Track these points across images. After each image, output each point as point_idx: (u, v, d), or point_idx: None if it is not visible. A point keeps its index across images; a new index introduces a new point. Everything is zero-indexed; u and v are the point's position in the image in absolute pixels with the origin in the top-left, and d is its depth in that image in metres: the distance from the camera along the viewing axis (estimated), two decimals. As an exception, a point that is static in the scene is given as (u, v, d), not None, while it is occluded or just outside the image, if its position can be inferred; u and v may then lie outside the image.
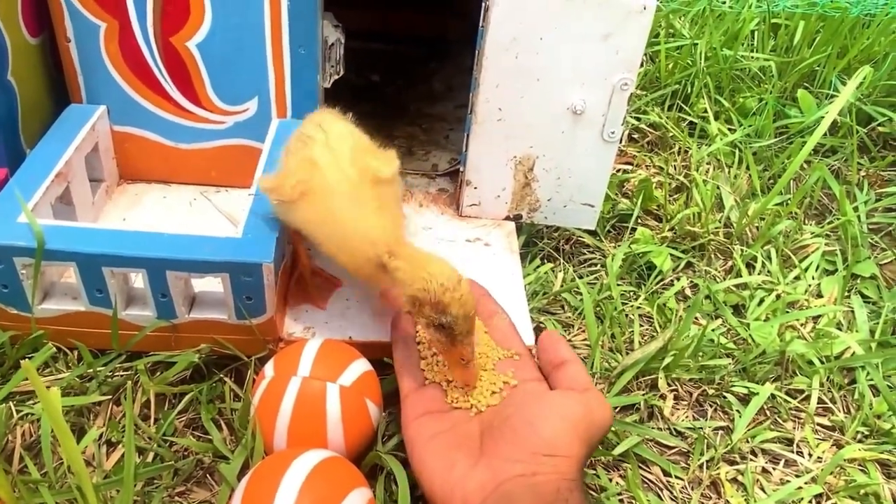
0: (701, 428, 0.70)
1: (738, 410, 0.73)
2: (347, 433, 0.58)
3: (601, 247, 0.91)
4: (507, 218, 0.87)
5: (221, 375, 0.68)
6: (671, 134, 1.13)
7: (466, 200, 0.86)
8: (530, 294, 0.82)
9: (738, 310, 0.86)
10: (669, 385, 0.74)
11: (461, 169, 0.85)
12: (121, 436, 0.62)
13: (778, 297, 0.86)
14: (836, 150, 1.16)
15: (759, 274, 0.90)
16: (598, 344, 0.75)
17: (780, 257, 0.92)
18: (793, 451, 0.70)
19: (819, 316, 0.84)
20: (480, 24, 0.74)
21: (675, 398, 0.74)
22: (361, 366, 0.61)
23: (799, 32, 1.31)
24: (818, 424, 0.73)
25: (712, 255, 0.93)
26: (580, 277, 0.85)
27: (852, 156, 1.10)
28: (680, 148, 1.12)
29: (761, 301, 0.85)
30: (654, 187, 1.00)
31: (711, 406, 0.74)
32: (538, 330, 0.78)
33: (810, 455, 0.70)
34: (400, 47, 1.26)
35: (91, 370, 0.66)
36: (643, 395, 0.72)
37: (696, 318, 0.83)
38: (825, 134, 1.11)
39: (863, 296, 0.89)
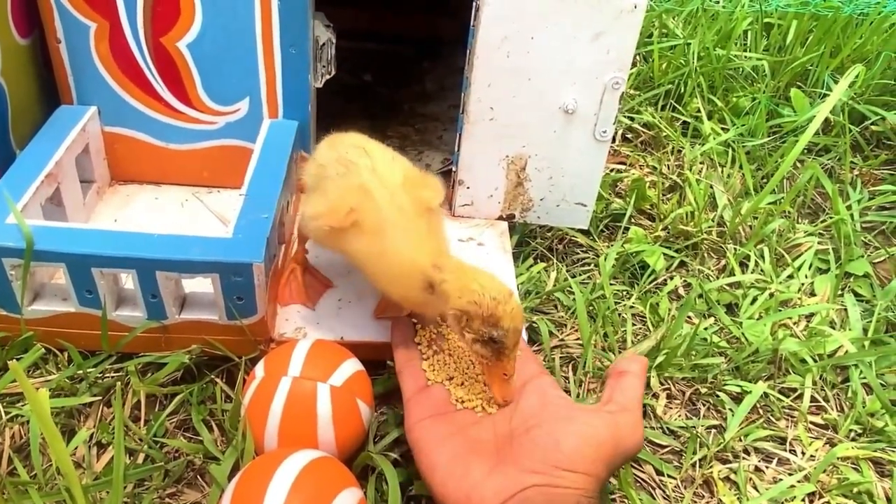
0: (693, 427, 0.70)
1: (730, 409, 0.72)
2: (338, 433, 0.58)
3: (594, 246, 0.91)
4: (500, 217, 0.87)
5: (212, 376, 0.67)
6: (664, 133, 1.13)
7: (459, 200, 0.86)
8: (523, 293, 0.82)
9: (731, 308, 0.86)
10: (662, 384, 0.74)
11: (454, 169, 0.85)
12: (111, 437, 0.62)
13: (771, 295, 0.86)
14: (829, 148, 1.16)
15: (752, 273, 0.90)
16: (590, 343, 0.75)
17: (773, 256, 0.92)
18: (786, 450, 0.70)
19: (812, 314, 0.84)
20: (472, 24, 0.74)
21: (668, 397, 0.74)
22: (352, 366, 0.61)
23: (792, 32, 1.31)
24: (811, 423, 0.73)
25: (705, 254, 0.93)
26: (573, 277, 0.85)
27: (845, 154, 1.10)
28: (673, 147, 1.12)
29: (754, 300, 0.85)
30: (648, 187, 1.00)
31: (704, 405, 0.74)
32: (531, 329, 0.78)
33: (803, 453, 0.70)
34: (392, 47, 1.26)
35: (81, 371, 0.66)
36: (636, 394, 0.72)
37: (688, 316, 0.83)
38: (818, 133, 1.12)
39: (856, 294, 0.89)
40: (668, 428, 0.70)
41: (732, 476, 0.67)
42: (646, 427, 0.69)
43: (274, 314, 0.70)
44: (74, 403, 0.64)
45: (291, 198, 0.80)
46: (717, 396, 0.74)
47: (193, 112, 0.81)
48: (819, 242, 0.95)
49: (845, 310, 0.86)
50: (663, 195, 1.01)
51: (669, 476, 0.66)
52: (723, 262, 0.92)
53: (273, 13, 0.74)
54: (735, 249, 0.93)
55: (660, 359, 0.75)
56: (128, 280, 0.64)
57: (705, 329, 0.80)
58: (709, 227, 0.96)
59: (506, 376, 0.57)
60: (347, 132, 0.71)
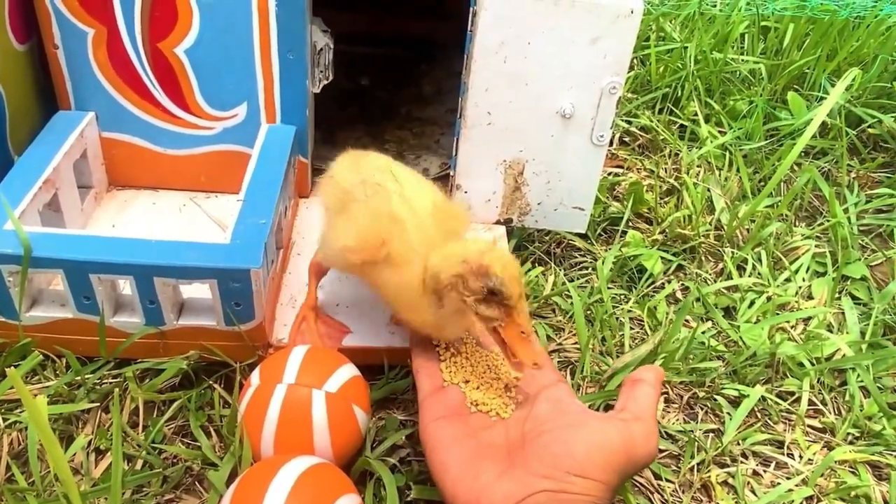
0: (691, 430, 0.70)
1: (728, 413, 0.73)
2: (334, 439, 0.58)
3: (592, 250, 0.92)
4: (498, 222, 0.87)
5: (210, 382, 0.67)
6: (662, 137, 1.13)
7: (457, 204, 0.86)
8: (521, 298, 0.82)
9: (729, 312, 0.86)
10: (660, 388, 0.74)
11: (451, 173, 0.85)
12: (109, 443, 0.62)
13: (768, 299, 0.86)
14: (826, 152, 1.16)
15: (749, 276, 0.90)
16: (588, 347, 0.75)
17: (770, 259, 0.92)
18: (783, 454, 0.70)
19: (809, 318, 0.85)
20: (469, 29, 0.74)
21: (666, 401, 0.74)
22: (348, 372, 0.61)
23: (788, 35, 1.31)
24: (809, 426, 0.73)
25: (703, 258, 0.93)
26: (571, 281, 0.85)
27: (842, 157, 1.10)
28: (671, 151, 1.12)
29: (752, 303, 0.86)
30: (645, 190, 1.00)
31: (702, 408, 0.74)
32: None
33: (801, 457, 0.70)
34: (389, 51, 1.26)
35: (79, 378, 0.66)
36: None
37: (686, 320, 0.83)
38: (815, 136, 1.12)
39: (853, 297, 0.89)
40: (665, 432, 0.70)
41: (730, 480, 0.67)
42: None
43: (272, 319, 0.70)
44: (72, 410, 0.64)
45: (289, 203, 0.80)
46: (715, 400, 0.74)
47: (191, 117, 0.81)
48: (816, 245, 0.96)
49: (843, 313, 0.86)
50: (661, 199, 1.02)
51: (667, 480, 0.66)
52: (720, 265, 0.92)
53: (270, 18, 0.74)
54: (732, 253, 0.93)
55: (657, 363, 0.75)
56: (126, 286, 0.64)
57: (703, 333, 0.81)
58: (706, 230, 0.96)
59: (524, 334, 0.55)
60: (367, 151, 0.69)
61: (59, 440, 0.62)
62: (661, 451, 0.69)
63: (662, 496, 0.65)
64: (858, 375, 0.77)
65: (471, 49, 0.75)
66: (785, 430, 0.72)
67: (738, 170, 1.07)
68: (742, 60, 1.29)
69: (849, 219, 1.00)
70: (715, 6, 1.40)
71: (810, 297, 0.89)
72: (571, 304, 0.81)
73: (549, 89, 0.76)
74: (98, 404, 0.65)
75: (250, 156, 0.77)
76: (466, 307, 0.55)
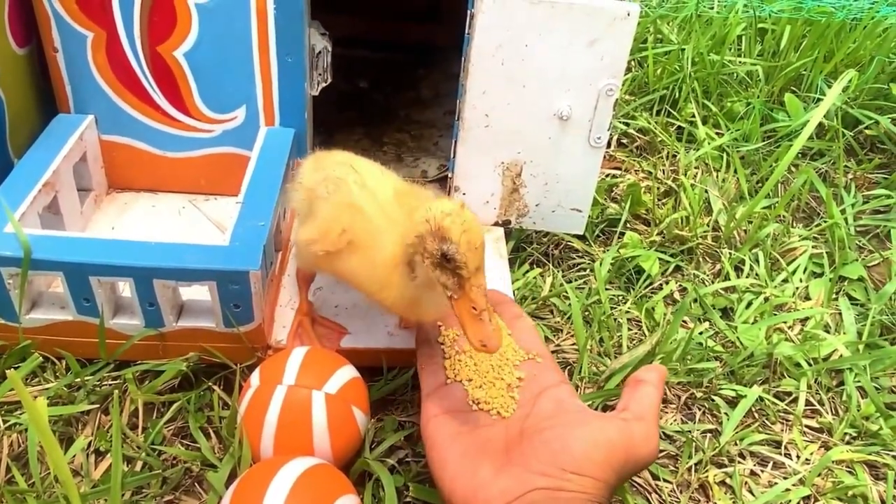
0: (689, 431, 0.71)
1: (726, 413, 0.73)
2: (334, 440, 0.58)
3: (590, 251, 0.92)
4: (496, 223, 0.87)
5: (210, 384, 0.68)
6: (659, 139, 1.14)
7: (455, 206, 0.86)
8: (519, 299, 0.82)
9: (727, 313, 0.86)
10: (658, 389, 0.75)
11: (450, 175, 0.85)
12: (109, 445, 0.62)
13: (766, 299, 0.86)
14: (823, 153, 1.17)
15: (746, 277, 0.90)
16: (586, 348, 0.75)
17: (767, 260, 0.93)
18: (781, 454, 0.70)
19: (807, 318, 0.85)
20: (467, 32, 0.74)
21: (664, 401, 0.74)
22: (348, 373, 0.61)
23: (785, 37, 1.32)
24: (806, 426, 0.74)
25: (700, 259, 0.93)
26: (569, 282, 0.86)
27: (839, 159, 1.11)
28: (668, 152, 1.12)
29: (749, 304, 0.86)
30: (643, 192, 1.01)
31: (699, 409, 0.74)
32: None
33: (798, 457, 0.70)
34: (387, 54, 1.26)
35: (79, 379, 0.66)
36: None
37: (684, 321, 0.83)
38: (812, 137, 1.12)
39: (850, 298, 0.90)
40: (663, 432, 0.71)
41: (728, 480, 0.67)
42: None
43: (271, 321, 0.71)
44: (72, 412, 0.64)
45: (288, 205, 0.80)
46: (713, 401, 0.74)
47: (190, 120, 0.82)
48: (813, 246, 0.96)
49: (840, 313, 0.86)
50: (658, 200, 1.02)
51: (665, 480, 0.66)
52: (718, 266, 0.93)
53: (269, 22, 0.75)
54: (730, 254, 0.93)
55: (656, 363, 0.75)
56: (125, 288, 0.65)
57: (700, 333, 0.81)
58: (704, 231, 0.97)
59: (475, 310, 0.50)
60: (331, 151, 0.69)
61: (59, 442, 0.62)
62: (658, 451, 0.69)
63: (660, 496, 0.65)
64: (856, 375, 0.77)
65: (468, 52, 0.75)
66: (782, 431, 0.73)
67: (735, 171, 1.07)
68: (739, 62, 1.30)
69: (846, 220, 1.00)
70: (712, 8, 1.40)
71: (807, 298, 0.89)
72: (569, 305, 0.81)
73: (546, 91, 0.77)
74: (98, 406, 0.65)
75: (249, 158, 0.77)
76: (429, 270, 0.52)
